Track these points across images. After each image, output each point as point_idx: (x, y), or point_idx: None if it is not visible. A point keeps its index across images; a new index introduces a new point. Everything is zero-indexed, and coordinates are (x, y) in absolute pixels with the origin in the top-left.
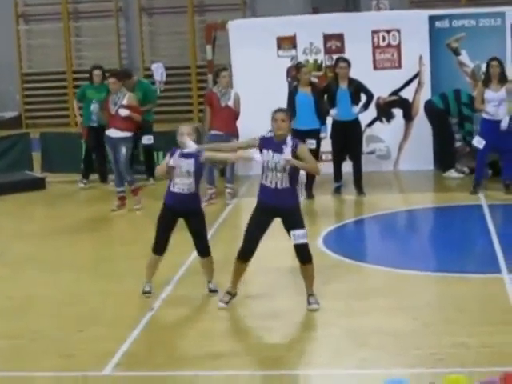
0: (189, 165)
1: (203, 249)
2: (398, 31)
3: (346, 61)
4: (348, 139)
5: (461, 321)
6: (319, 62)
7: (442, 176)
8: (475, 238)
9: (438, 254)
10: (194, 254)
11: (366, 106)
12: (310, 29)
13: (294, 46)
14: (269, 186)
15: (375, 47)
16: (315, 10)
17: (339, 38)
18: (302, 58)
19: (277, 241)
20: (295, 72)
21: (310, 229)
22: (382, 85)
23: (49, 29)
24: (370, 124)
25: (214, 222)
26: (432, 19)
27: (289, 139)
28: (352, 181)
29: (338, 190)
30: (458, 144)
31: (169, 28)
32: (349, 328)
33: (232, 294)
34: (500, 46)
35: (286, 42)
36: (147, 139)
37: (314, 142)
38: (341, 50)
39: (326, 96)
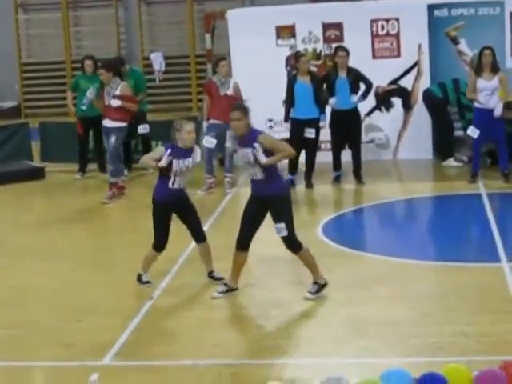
0: (188, 162)
1: (200, 234)
2: (397, 20)
3: (345, 50)
4: (347, 128)
5: (460, 310)
6: (318, 51)
7: (441, 165)
8: (474, 226)
9: (438, 243)
10: (193, 243)
11: (365, 95)
12: (309, 18)
13: (293, 35)
14: (252, 178)
15: (374, 36)
16: None
17: (338, 27)
18: (301, 47)
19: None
20: (294, 61)
21: (310, 218)
22: (381, 74)
23: (48, 18)
24: (369, 113)
25: (214, 211)
26: (431, 8)
27: (250, 134)
28: (351, 170)
29: (337, 179)
30: (458, 133)
31: (168, 17)
32: (348, 317)
33: (230, 288)
34: (499, 35)
35: (285, 31)
36: (143, 128)
37: (313, 131)
38: (340, 38)
39: (325, 85)
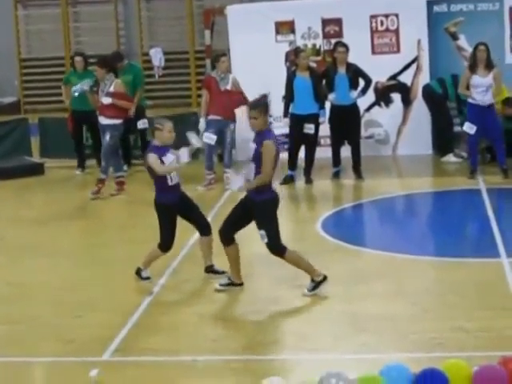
0: (170, 158)
1: (207, 228)
2: (397, 16)
3: (345, 45)
4: (346, 124)
5: (460, 305)
6: (317, 46)
7: (441, 160)
8: (474, 222)
9: (437, 239)
10: (193, 239)
11: (364, 91)
12: (309, 13)
13: (293, 31)
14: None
15: (373, 32)
16: None
17: (337, 22)
18: (300, 43)
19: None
20: (294, 57)
21: (309, 213)
22: (380, 69)
23: (47, 14)
24: (369, 108)
25: (213, 207)
26: (430, 4)
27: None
28: (351, 165)
29: (336, 175)
30: (457, 129)
31: (167, 13)
32: (348, 313)
33: (234, 283)
34: (498, 31)
35: (285, 27)
36: (142, 124)
37: (312, 126)
38: (339, 34)
39: (324, 81)
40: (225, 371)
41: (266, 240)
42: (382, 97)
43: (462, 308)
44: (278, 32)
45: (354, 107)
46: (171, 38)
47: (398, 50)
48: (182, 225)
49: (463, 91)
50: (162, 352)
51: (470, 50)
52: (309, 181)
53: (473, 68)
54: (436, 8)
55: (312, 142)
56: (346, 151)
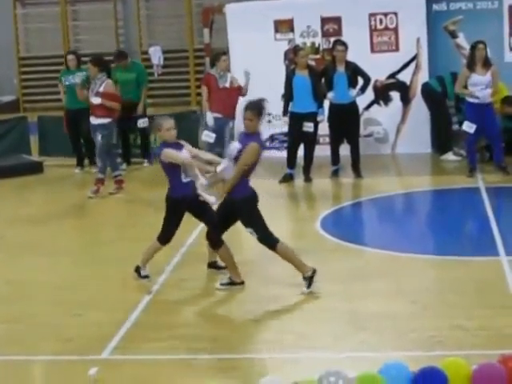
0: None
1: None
2: (396, 14)
3: (344, 44)
4: (345, 122)
5: (459, 304)
6: (316, 45)
7: (440, 159)
8: (473, 220)
9: (437, 237)
10: (192, 237)
11: (363, 90)
12: (308, 12)
13: (292, 29)
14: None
15: (373, 30)
16: None
17: (337, 20)
18: (299, 41)
19: (274, 227)
20: (293, 55)
21: (308, 212)
22: (379, 68)
23: (46, 12)
24: (368, 107)
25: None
26: (429, 2)
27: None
28: (350, 164)
29: (335, 173)
30: (455, 127)
31: (166, 11)
32: (347, 311)
33: (234, 282)
34: (497, 29)
35: (284, 26)
36: (142, 122)
37: (311, 125)
38: (338, 33)
39: (323, 79)
40: (224, 369)
41: (255, 236)
42: (381, 95)
43: (462, 306)
44: (277, 30)
45: (353, 106)
46: (170, 37)
47: (397, 49)
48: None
49: (461, 90)
50: (162, 350)
51: (469, 48)
52: (308, 179)
53: (471, 66)
54: (435, 6)
55: (311, 141)
56: (345, 150)
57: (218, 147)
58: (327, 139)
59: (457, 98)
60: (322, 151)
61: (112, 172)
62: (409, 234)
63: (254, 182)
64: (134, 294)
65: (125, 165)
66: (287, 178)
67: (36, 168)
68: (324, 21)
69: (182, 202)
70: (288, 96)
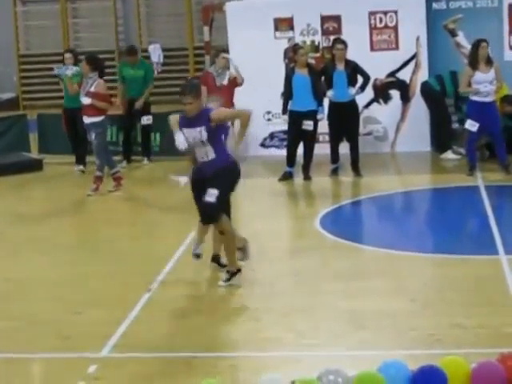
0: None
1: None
2: (395, 12)
3: (343, 42)
4: (345, 121)
5: (458, 302)
6: (316, 43)
7: (439, 157)
8: (472, 219)
9: (436, 236)
10: (191, 235)
11: (362, 88)
12: (307, 10)
13: (291, 28)
14: (202, 160)
15: (372, 28)
16: None
17: (336, 19)
18: (299, 40)
19: (274, 225)
20: (292, 53)
21: (308, 210)
22: (379, 66)
23: (46, 10)
24: (367, 105)
25: None
26: (429, 0)
27: (202, 113)
28: (349, 162)
29: (335, 172)
30: (455, 126)
31: (166, 9)
32: (346, 309)
33: (231, 272)
34: (497, 28)
35: (284, 24)
36: (146, 119)
37: (311, 123)
38: (338, 31)
39: (323, 77)
40: (224, 367)
41: (212, 199)
42: (381, 94)
43: (461, 305)
44: (276, 29)
45: (352, 104)
46: (170, 35)
47: (397, 47)
48: (179, 221)
49: (465, 88)
50: (161, 348)
51: (468, 46)
52: (307, 177)
53: (474, 65)
54: (435, 5)
55: (310, 139)
56: (344, 148)
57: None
58: (327, 137)
59: (456, 96)
60: (322, 149)
61: (109, 170)
62: (408, 232)
63: (254, 181)
64: (133, 291)
65: (125, 162)
66: (287, 176)
67: (35, 166)
68: (324, 19)
69: (192, 181)
70: (287, 94)
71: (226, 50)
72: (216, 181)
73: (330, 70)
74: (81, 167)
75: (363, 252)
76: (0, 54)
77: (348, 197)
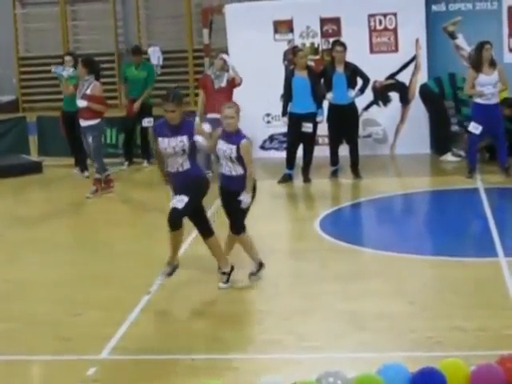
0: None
1: (234, 226)
2: (395, 15)
3: (343, 44)
4: (344, 123)
5: (458, 304)
6: (316, 45)
7: (439, 159)
8: (472, 221)
9: (435, 238)
10: (190, 238)
11: (362, 90)
12: (307, 12)
13: (291, 30)
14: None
15: (372, 31)
16: None
17: (336, 21)
18: (298, 42)
19: (273, 227)
20: (292, 56)
21: (307, 212)
22: (378, 68)
23: (46, 12)
24: (367, 108)
25: (210, 206)
26: (428, 2)
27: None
28: (349, 164)
29: (334, 174)
30: (454, 128)
31: (165, 11)
32: (346, 311)
33: (226, 273)
34: (497, 30)
35: (283, 26)
36: (147, 122)
37: (310, 125)
38: (337, 33)
39: (322, 80)
40: (223, 370)
41: (179, 205)
42: (380, 96)
43: (460, 307)
44: (276, 31)
45: (352, 106)
46: (169, 37)
47: (397, 49)
48: None
49: (470, 91)
50: (161, 350)
51: (468, 49)
52: (307, 180)
53: (478, 67)
54: (434, 7)
55: (310, 141)
56: (344, 150)
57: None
58: (326, 140)
59: (455, 98)
60: (321, 152)
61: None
62: (408, 234)
63: None
64: (132, 293)
65: (126, 164)
66: (286, 179)
67: (35, 168)
68: (323, 21)
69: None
70: (287, 96)
71: (226, 53)
72: (188, 189)
73: (330, 72)
74: (85, 174)
75: (363, 254)
76: (0, 56)
77: (348, 199)
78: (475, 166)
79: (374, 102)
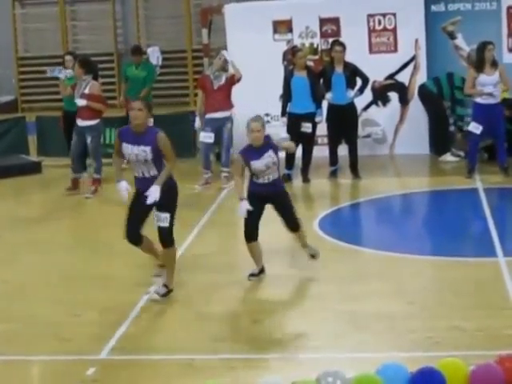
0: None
1: (293, 224)
2: (394, 15)
3: (342, 44)
4: (344, 123)
5: (457, 304)
6: (315, 45)
7: (438, 160)
8: (471, 221)
9: (434, 238)
10: (189, 240)
11: (361, 90)
12: (306, 12)
13: (290, 30)
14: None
15: (371, 31)
16: None
17: (335, 21)
18: (297, 42)
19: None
20: (291, 56)
21: (306, 213)
22: (377, 68)
23: (45, 13)
24: (366, 108)
25: (210, 206)
26: (428, 2)
27: (148, 131)
28: (348, 164)
29: (333, 174)
30: (451, 128)
31: (165, 12)
32: (345, 312)
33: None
34: (496, 30)
35: (282, 26)
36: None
37: (309, 125)
38: (337, 33)
39: (321, 80)
40: (223, 370)
41: (165, 224)
42: (380, 96)
43: (459, 307)
44: (275, 31)
45: (351, 106)
46: (169, 37)
47: (396, 50)
48: (179, 225)
49: (470, 91)
50: (160, 351)
51: (467, 49)
52: (306, 180)
53: (480, 67)
54: (433, 7)
55: (309, 141)
56: (343, 150)
57: (216, 148)
58: (325, 140)
59: (452, 99)
60: (321, 152)
61: (84, 172)
62: (407, 234)
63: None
64: (132, 294)
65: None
66: (285, 179)
67: (34, 168)
68: (322, 21)
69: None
70: (286, 96)
71: (224, 49)
72: (164, 203)
73: (329, 72)
74: (84, 175)
75: (362, 254)
76: None
77: (347, 199)
78: (475, 166)
79: (374, 102)
